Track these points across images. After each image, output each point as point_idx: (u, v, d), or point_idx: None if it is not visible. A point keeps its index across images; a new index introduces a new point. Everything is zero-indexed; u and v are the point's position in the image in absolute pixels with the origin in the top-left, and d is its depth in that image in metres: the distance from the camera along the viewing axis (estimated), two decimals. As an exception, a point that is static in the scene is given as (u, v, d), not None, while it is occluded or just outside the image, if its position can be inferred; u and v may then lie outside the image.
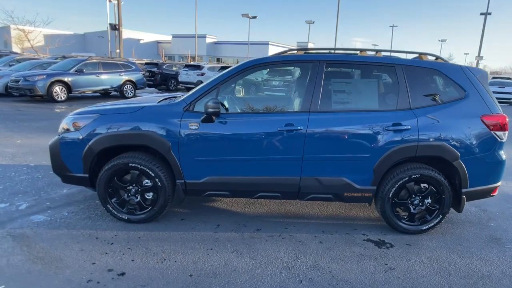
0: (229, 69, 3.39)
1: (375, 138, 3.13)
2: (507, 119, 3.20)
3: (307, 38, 53.37)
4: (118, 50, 28.50)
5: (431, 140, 3.12)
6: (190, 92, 3.36)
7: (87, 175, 3.31)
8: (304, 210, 3.86)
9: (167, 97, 4.07)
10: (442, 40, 59.28)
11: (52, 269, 2.56)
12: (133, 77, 14.48)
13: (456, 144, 3.13)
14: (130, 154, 3.24)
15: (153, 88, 19.09)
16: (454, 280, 2.65)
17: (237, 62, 44.06)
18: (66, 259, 2.70)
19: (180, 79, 18.47)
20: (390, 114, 3.17)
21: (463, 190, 3.22)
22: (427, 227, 3.31)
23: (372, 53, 3.47)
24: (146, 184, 3.29)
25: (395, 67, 3.25)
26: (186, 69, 18.51)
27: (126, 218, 3.35)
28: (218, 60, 56.23)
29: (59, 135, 3.34)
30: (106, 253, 2.85)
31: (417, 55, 3.48)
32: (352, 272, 2.72)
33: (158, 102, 3.54)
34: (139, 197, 3.32)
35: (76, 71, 12.61)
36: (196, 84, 17.46)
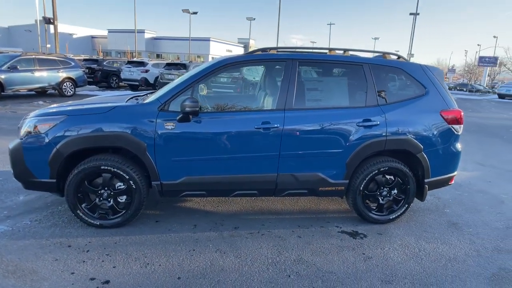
0: (202, 67, 3.33)
1: (348, 133, 3.29)
2: (462, 113, 3.53)
3: (248, 34, 53.81)
4: (49, 45, 26.45)
5: (398, 134, 3.34)
6: (164, 91, 3.27)
7: (54, 180, 3.09)
8: (276, 206, 3.94)
9: (133, 96, 3.92)
10: (375, 38, 63.12)
11: (28, 282, 2.37)
12: (73, 74, 13.61)
13: (419, 137, 3.39)
14: (102, 157, 3.09)
15: (94, 86, 18.06)
16: (426, 264, 2.88)
17: (177, 58, 43.45)
18: (41, 270, 2.51)
19: (122, 76, 17.60)
20: (360, 110, 3.35)
21: (426, 180, 3.50)
22: (394, 216, 3.56)
23: (340, 52, 3.63)
24: (119, 187, 3.15)
25: (362, 65, 3.43)
26: (129, 66, 17.70)
27: (98, 223, 3.18)
28: (158, 56, 54.76)
29: (22, 139, 3.07)
30: (84, 261, 2.69)
31: (381, 54, 3.70)
32: (335, 263, 2.85)
33: (126, 102, 3.40)
34: (111, 201, 3.17)
35: (8, 68, 11.60)
36: (140, 82, 16.83)
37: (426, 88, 3.50)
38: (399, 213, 3.56)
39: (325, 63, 3.48)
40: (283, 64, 3.33)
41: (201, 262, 2.77)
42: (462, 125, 3.54)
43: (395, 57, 3.68)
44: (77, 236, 3.07)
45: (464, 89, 39.65)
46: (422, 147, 3.39)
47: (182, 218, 3.52)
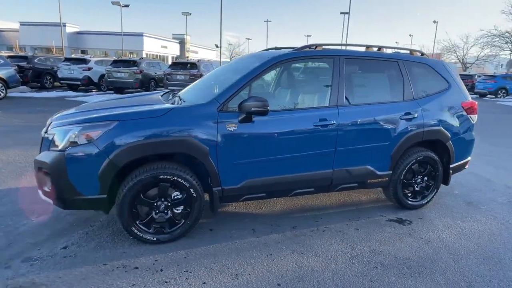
0: (256, 64, 3.18)
1: (393, 127, 3.46)
2: (476, 104, 3.95)
3: (182, 30, 52.35)
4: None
5: (432, 126, 3.62)
6: (220, 91, 3.06)
7: (105, 196, 2.72)
8: (313, 202, 3.98)
9: (163, 93, 3.71)
10: (308, 36, 66.42)
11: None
12: (3, 73, 11.89)
13: (447, 127, 3.71)
14: (159, 165, 2.80)
15: (24, 87, 15.95)
16: (476, 241, 3.20)
17: (106, 54, 40.46)
18: (131, 299, 2.21)
19: (60, 75, 15.80)
20: (400, 104, 3.55)
21: (451, 166, 3.85)
22: (426, 201, 3.85)
23: (375, 49, 3.79)
24: (176, 197, 2.89)
25: (398, 62, 3.64)
26: (68, 63, 15.90)
27: (154, 239, 2.89)
28: (82, 52, 50.29)
29: (63, 151, 2.63)
30: (166, 281, 2.44)
31: (408, 51, 3.95)
32: (405, 250, 3.00)
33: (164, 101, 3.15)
34: (169, 212, 2.90)
35: None
36: (83, 81, 15.30)
37: (448, 83, 3.83)
38: (430, 198, 3.86)
39: (366, 60, 3.59)
40: (332, 61, 3.37)
41: (288, 266, 2.70)
42: (476, 115, 3.96)
43: (419, 54, 3.96)
44: (136, 255, 2.76)
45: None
46: (449, 135, 3.72)
47: (234, 224, 3.36)
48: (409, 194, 3.80)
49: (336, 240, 3.12)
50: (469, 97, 3.93)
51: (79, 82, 15.56)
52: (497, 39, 33.41)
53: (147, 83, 15.19)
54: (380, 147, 3.45)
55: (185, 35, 54.18)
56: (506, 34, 32.72)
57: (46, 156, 2.71)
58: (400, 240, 3.16)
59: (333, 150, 3.27)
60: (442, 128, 3.67)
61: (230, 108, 2.97)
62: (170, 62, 31.18)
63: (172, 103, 3.20)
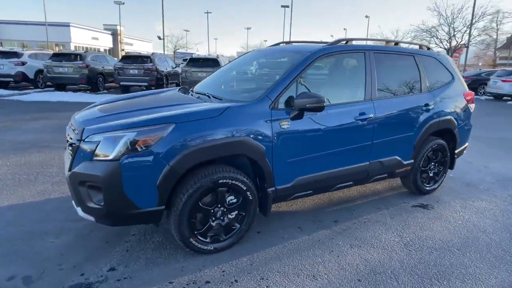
0: (300, 59, 3.09)
1: (417, 118, 3.65)
2: (473, 94, 4.32)
3: (116, 20, 49.01)
4: None
5: (446, 115, 3.89)
6: (270, 87, 2.91)
7: (163, 207, 2.46)
8: (337, 195, 4.05)
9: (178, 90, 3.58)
10: (248, 28, 66.79)
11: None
12: None
13: (455, 116, 4.02)
14: (217, 169, 2.60)
15: None
16: (495, 218, 3.55)
17: (24, 46, 36.23)
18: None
19: (-14, 70, 13.80)
20: (420, 96, 3.74)
21: (455, 152, 4.19)
22: (438, 185, 4.16)
23: (392, 44, 3.94)
24: (231, 202, 2.73)
25: (414, 56, 3.82)
26: (-5, 58, 14.00)
27: (212, 248, 2.72)
28: None
29: (117, 160, 2.31)
30: (249, 292, 2.30)
31: (418, 45, 4.17)
32: (443, 233, 3.21)
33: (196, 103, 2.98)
34: (225, 218, 2.73)
35: None
36: (16, 77, 13.53)
37: (452, 75, 4.14)
38: (440, 182, 4.17)
39: (390, 54, 3.70)
40: (363, 55, 3.42)
41: (355, 260, 2.72)
42: (474, 104, 4.34)
43: (425, 48, 4.20)
44: (198, 268, 2.56)
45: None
46: (457, 124, 4.03)
47: (277, 224, 3.27)
48: (425, 181, 4.05)
49: (382, 230, 3.22)
50: (467, 88, 4.30)
51: (11, 79, 13.74)
52: (424, 33, 36.95)
53: (95, 79, 13.95)
54: (406, 138, 3.62)
55: (118, 26, 50.72)
56: (432, 29, 36.29)
57: (93, 168, 2.36)
58: (434, 224, 3.37)
59: (370, 143, 3.34)
60: (452, 117, 3.96)
61: (281, 105, 2.86)
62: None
63: (204, 101, 2.99)
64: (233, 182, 2.64)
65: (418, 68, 3.81)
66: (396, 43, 3.93)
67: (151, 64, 13.67)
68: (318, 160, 3.08)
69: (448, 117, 3.93)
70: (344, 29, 77.53)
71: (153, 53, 14.90)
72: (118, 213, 2.40)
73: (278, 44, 4.26)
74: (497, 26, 37.31)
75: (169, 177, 2.41)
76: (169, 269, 2.54)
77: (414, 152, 3.74)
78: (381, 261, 2.72)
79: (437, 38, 36.26)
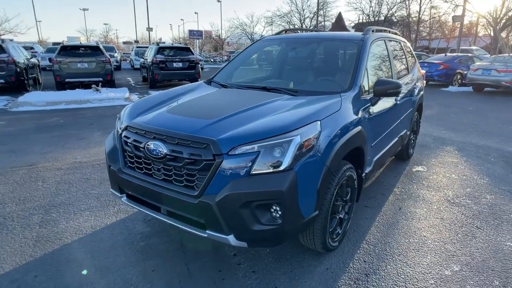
0: (359, 46, 3.14)
1: (414, 94, 4.29)
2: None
3: None
4: None
5: (422, 90, 4.68)
6: (353, 77, 2.88)
7: (317, 212, 2.24)
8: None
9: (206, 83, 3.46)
10: (84, 9, 60.40)
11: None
12: None
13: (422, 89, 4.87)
14: (344, 163, 2.50)
15: None
16: (491, 173, 4.53)
17: None
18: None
19: None
20: (412, 75, 4.37)
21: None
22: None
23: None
24: (347, 193, 2.69)
25: (400, 42, 4.38)
26: None
27: (338, 243, 2.65)
28: None
29: (292, 168, 1.96)
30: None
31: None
32: (461, 193, 3.95)
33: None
34: (342, 211, 2.68)
35: None
36: None
37: (414, 56, 4.94)
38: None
39: (392, 40, 4.09)
40: (384, 42, 3.73)
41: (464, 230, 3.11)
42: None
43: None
44: (339, 268, 2.47)
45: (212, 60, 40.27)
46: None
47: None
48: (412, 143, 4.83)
49: (422, 212, 3.73)
50: (420, 68, 5.23)
51: None
52: (279, 19, 41.15)
53: (23, 75, 11.02)
54: (409, 113, 4.19)
55: None
56: (288, 15, 40.57)
57: (264, 183, 1.94)
58: (447, 187, 4.08)
59: (399, 119, 3.75)
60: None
61: (364, 93, 2.92)
62: None
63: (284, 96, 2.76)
64: (351, 173, 2.61)
65: (404, 52, 4.41)
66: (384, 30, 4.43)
67: (5, 55, 10.70)
68: (383, 140, 3.30)
69: (422, 92, 4.73)
70: (195, 12, 77.00)
71: (3, 41, 11.50)
72: (291, 228, 2.07)
73: (280, 32, 4.16)
74: (323, 13, 44.06)
75: (327, 178, 2.21)
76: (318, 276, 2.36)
77: (411, 124, 4.39)
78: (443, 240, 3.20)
79: (291, 23, 40.81)
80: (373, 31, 3.58)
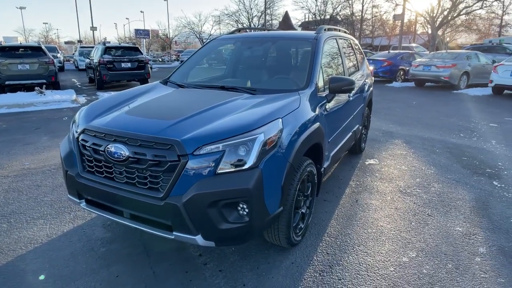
0: (314, 45, 3.25)
1: (365, 89, 4.54)
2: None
3: None
4: None
5: (371, 86, 4.95)
6: (309, 75, 2.97)
7: (281, 209, 2.30)
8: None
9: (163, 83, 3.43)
10: (21, 8, 56.12)
11: None
12: None
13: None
14: (304, 159, 2.59)
15: None
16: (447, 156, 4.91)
17: None
18: None
19: None
20: (362, 71, 4.61)
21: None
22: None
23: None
24: (308, 188, 2.79)
25: (350, 40, 4.59)
26: None
27: (301, 238, 2.75)
28: None
29: (257, 166, 2.00)
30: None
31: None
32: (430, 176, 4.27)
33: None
34: (304, 206, 2.78)
35: None
36: None
37: (362, 52, 5.22)
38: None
39: (346, 39, 4.28)
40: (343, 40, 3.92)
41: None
42: None
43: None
44: (304, 261, 2.57)
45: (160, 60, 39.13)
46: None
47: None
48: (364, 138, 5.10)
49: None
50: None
51: None
52: (227, 18, 41.01)
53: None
54: (360, 109, 4.42)
55: None
56: (237, 13, 40.52)
57: (230, 182, 1.97)
58: (399, 179, 4.38)
59: (352, 115, 3.95)
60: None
61: (320, 90, 3.03)
62: None
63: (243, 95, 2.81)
64: (311, 169, 2.71)
65: (353, 50, 4.64)
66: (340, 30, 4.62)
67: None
68: (338, 136, 3.45)
69: (372, 88, 5.01)
70: (141, 11, 74.29)
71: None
72: (258, 225, 2.11)
73: (233, 32, 4.20)
74: (270, 12, 44.65)
75: (290, 174, 2.29)
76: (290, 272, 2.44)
77: (363, 119, 4.64)
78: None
79: (239, 22, 40.89)
80: (325, 29, 3.70)
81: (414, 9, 27.01)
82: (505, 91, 11.74)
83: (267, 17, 40.62)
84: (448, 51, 15.09)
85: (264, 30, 4.74)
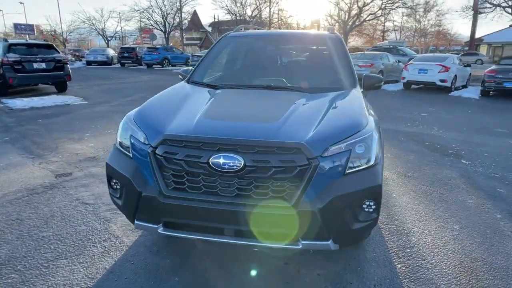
0: (338, 44, 3.42)
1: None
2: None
3: None
4: None
5: None
6: (352, 73, 3.13)
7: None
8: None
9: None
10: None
11: None
12: None
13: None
14: None
15: None
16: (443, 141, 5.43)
17: None
18: None
19: None
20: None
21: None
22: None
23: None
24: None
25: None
26: None
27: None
28: None
29: (375, 160, 2.07)
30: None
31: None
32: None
33: None
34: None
35: None
36: None
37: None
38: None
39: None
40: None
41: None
42: None
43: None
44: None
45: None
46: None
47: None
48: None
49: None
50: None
51: None
52: (138, 15, 38.96)
53: None
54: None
55: None
56: (149, 10, 38.65)
57: (361, 181, 1.96)
58: (395, 166, 4.78)
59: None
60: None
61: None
62: None
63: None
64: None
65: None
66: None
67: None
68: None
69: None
70: (21, 2, 59.68)
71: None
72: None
73: (238, 29, 4.05)
74: (186, 10, 43.80)
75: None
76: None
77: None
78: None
79: (152, 19, 39.29)
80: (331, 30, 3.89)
81: (330, 14, 30.58)
82: (412, 86, 13.67)
83: (181, 15, 39.80)
84: (365, 52, 16.91)
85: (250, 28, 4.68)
